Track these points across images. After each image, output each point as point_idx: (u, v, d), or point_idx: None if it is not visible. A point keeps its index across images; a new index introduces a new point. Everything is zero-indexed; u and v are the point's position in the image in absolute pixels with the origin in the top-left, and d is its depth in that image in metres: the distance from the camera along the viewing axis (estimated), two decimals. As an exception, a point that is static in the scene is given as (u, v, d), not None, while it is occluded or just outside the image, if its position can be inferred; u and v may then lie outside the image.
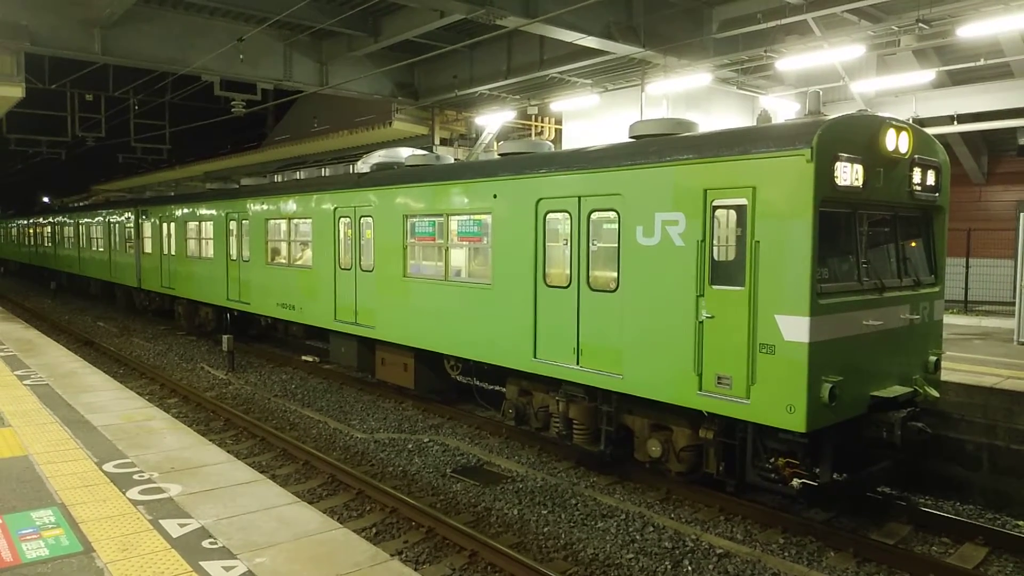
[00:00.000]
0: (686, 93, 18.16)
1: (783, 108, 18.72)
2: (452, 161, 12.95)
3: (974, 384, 9.16)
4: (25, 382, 9.80)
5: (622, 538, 7.60)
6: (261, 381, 15.06)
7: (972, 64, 15.73)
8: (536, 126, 25.24)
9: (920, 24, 13.35)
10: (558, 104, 21.31)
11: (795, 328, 6.77)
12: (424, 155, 13.02)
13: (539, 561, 6.99)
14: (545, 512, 8.25)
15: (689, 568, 7.00)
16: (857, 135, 7.24)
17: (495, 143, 23.84)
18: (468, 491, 8.89)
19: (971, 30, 12.85)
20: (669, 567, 7.01)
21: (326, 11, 16.57)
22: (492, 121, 23.40)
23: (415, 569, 6.73)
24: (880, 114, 7.83)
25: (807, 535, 7.66)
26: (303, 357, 16.83)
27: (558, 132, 24.54)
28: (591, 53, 16.82)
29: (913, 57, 17.05)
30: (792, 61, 15.71)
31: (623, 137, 9.25)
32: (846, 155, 6.96)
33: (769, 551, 7.36)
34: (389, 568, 4.75)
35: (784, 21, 14.18)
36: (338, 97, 23.81)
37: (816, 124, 6.93)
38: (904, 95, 17.76)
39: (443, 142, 24.41)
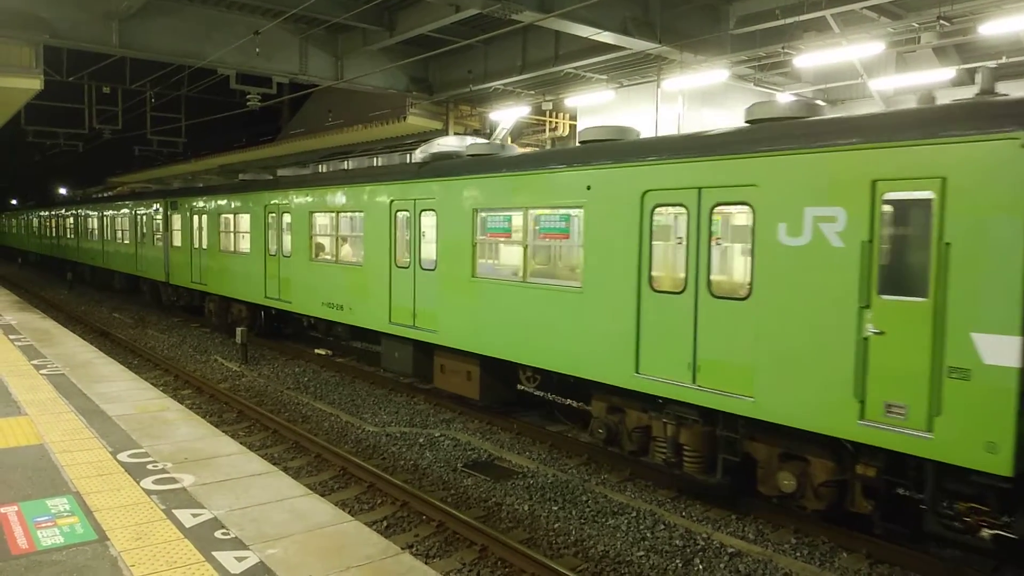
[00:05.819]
0: (702, 89, 18.04)
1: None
2: (518, 152, 11.71)
3: None
4: (41, 371, 9.89)
5: (633, 535, 7.59)
6: (274, 374, 15.13)
7: (993, 62, 15.52)
8: (550, 122, 25.18)
9: (941, 21, 13.22)
10: (573, 100, 21.25)
11: (1000, 349, 5.74)
12: (487, 144, 12.00)
13: (549, 557, 6.98)
14: (556, 508, 8.24)
15: (700, 567, 6.98)
16: None
17: (508, 138, 23.84)
18: (479, 486, 8.90)
19: (993, 27, 12.71)
20: (680, 565, 6.99)
21: (342, 5, 16.62)
22: (506, 116, 23.38)
23: (426, 563, 6.73)
24: None
25: (819, 535, 7.61)
26: (316, 350, 16.90)
27: (572, 128, 24.50)
28: (607, 48, 16.75)
29: (933, 54, 16.86)
30: (810, 58, 15.59)
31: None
32: None
33: (781, 551, 7.32)
34: (400, 561, 4.76)
35: (803, 17, 14.07)
36: (353, 91, 23.86)
37: None
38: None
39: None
